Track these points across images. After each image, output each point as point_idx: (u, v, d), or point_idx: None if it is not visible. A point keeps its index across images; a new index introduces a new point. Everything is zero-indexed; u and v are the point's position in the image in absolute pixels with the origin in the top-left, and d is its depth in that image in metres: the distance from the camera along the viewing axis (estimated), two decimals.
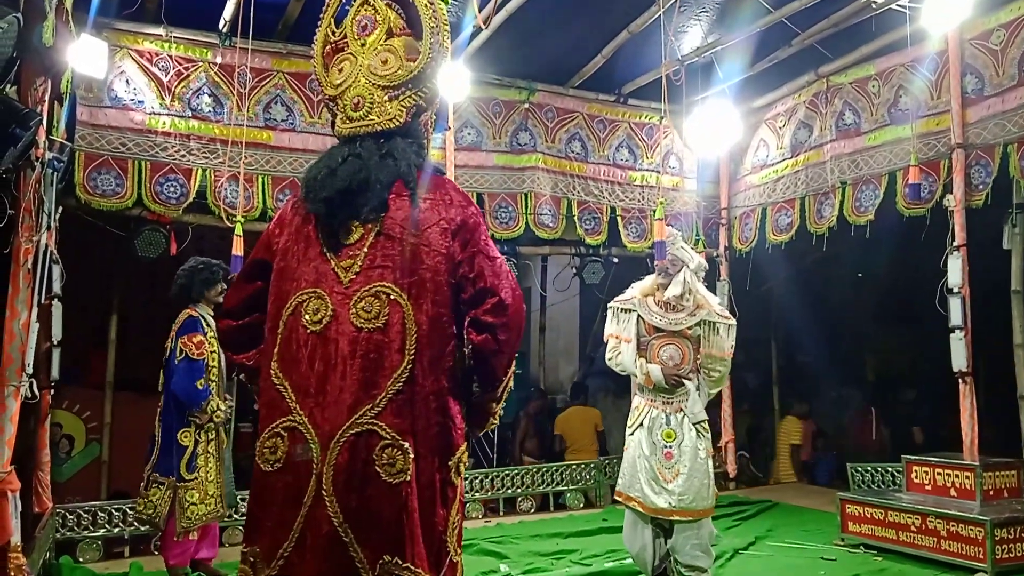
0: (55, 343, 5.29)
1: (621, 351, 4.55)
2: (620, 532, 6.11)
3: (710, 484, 4.34)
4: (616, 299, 4.70)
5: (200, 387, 4.53)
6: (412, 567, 2.09)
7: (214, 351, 4.67)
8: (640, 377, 4.49)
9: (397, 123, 2.35)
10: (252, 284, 2.46)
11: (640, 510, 4.37)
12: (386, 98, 2.35)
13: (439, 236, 2.26)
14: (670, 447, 4.33)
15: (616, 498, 4.65)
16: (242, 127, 6.15)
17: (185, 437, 4.55)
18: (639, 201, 8.07)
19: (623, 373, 4.65)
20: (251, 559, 2.20)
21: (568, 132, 7.86)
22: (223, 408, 4.65)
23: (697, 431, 4.35)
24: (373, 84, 2.35)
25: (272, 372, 2.25)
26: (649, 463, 4.33)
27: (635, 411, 4.54)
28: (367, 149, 2.31)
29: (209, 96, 6.36)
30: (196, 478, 4.53)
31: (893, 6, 6.00)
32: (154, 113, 6.16)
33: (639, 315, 4.51)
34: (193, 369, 4.54)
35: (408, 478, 2.12)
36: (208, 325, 4.68)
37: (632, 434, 4.49)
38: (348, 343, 2.17)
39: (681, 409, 4.37)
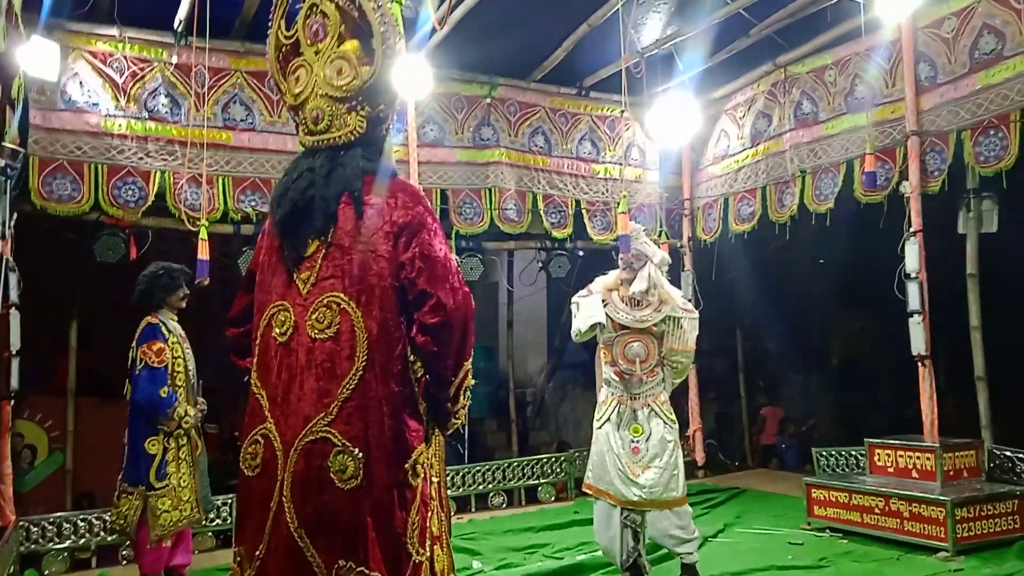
0: (14, 352, 5.20)
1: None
2: (592, 524, 6.19)
3: (680, 475, 4.35)
4: (577, 294, 4.64)
5: (164, 395, 4.45)
6: (367, 570, 2.14)
7: (179, 356, 4.59)
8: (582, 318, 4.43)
9: (358, 134, 2.36)
10: (248, 295, 2.55)
11: (611, 502, 4.39)
12: (344, 109, 2.35)
13: (383, 241, 2.28)
14: (637, 442, 4.34)
15: (585, 491, 4.66)
16: (201, 128, 6.07)
17: (152, 445, 4.47)
18: (603, 193, 8.10)
19: (584, 324, 4.43)
20: (238, 559, 2.31)
21: (531, 126, 7.86)
22: (191, 413, 4.57)
23: (665, 423, 4.36)
24: (330, 97, 2.35)
25: (253, 381, 2.36)
26: (618, 458, 4.34)
27: (602, 405, 4.53)
28: (321, 164, 2.36)
29: (166, 97, 6.26)
30: (167, 485, 4.46)
31: None
32: (109, 115, 6.05)
33: (606, 313, 4.45)
34: (155, 377, 4.46)
35: (359, 483, 2.17)
36: (170, 331, 4.59)
37: (600, 428, 4.48)
38: (305, 353, 2.25)
39: (648, 404, 4.39)
